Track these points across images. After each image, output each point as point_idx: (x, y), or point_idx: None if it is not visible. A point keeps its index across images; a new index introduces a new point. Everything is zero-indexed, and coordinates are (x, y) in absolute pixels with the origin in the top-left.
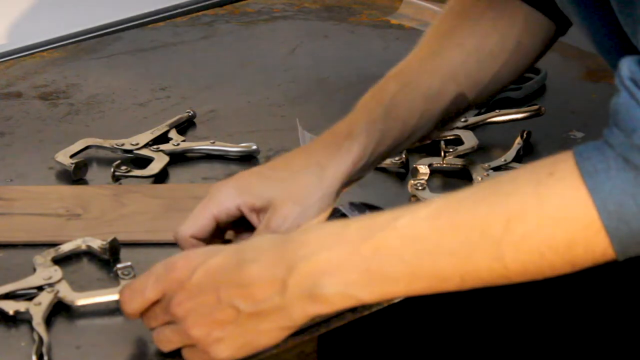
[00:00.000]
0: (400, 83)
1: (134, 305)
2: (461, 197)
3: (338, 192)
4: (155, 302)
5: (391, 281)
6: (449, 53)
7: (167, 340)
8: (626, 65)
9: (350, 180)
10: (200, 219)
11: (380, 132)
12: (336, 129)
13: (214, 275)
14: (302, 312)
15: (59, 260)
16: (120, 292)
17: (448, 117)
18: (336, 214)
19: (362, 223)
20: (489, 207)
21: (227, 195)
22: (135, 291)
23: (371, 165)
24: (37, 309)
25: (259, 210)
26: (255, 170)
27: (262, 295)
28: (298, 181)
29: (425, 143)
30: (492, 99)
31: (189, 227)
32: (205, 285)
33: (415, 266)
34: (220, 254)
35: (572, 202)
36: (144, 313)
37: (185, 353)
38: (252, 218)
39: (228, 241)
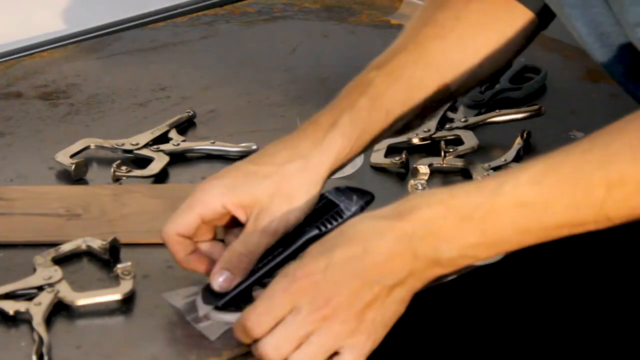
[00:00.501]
0: (383, 73)
1: (264, 327)
2: (559, 160)
3: (323, 183)
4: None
5: (504, 240)
6: (431, 44)
7: (315, 355)
8: None
9: (335, 169)
10: (186, 218)
11: (363, 122)
12: (319, 119)
13: (347, 265)
14: (430, 274)
15: (59, 260)
16: (244, 320)
17: (430, 107)
18: (322, 200)
19: (467, 189)
20: (589, 174)
21: (213, 195)
22: (261, 314)
23: (355, 155)
24: (37, 309)
25: (246, 207)
26: (239, 165)
27: (400, 266)
28: (284, 176)
29: (405, 134)
30: (470, 91)
31: (175, 226)
32: (344, 277)
33: (525, 226)
34: (338, 247)
35: None
36: (278, 343)
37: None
38: (239, 214)
39: (221, 240)
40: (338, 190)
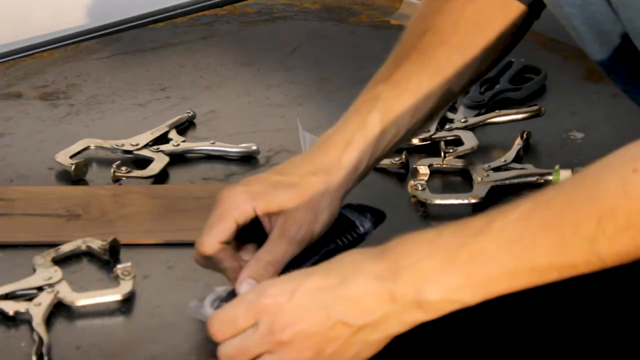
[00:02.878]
0: (389, 86)
1: (225, 335)
2: (549, 197)
3: (342, 200)
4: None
5: (492, 282)
6: (434, 51)
7: None
8: None
9: (352, 185)
10: (224, 225)
11: (376, 138)
12: (333, 137)
13: (317, 294)
14: (410, 319)
15: (59, 261)
16: (209, 324)
17: (436, 113)
18: (337, 216)
19: (454, 229)
20: (579, 207)
21: (243, 199)
22: (225, 322)
23: (369, 170)
24: (37, 309)
25: (271, 215)
26: (262, 176)
27: (372, 307)
28: (308, 187)
29: (408, 141)
30: (469, 88)
31: (216, 234)
32: (309, 306)
33: (514, 267)
34: (316, 274)
35: None
36: (234, 353)
37: None
38: (265, 222)
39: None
40: (351, 206)
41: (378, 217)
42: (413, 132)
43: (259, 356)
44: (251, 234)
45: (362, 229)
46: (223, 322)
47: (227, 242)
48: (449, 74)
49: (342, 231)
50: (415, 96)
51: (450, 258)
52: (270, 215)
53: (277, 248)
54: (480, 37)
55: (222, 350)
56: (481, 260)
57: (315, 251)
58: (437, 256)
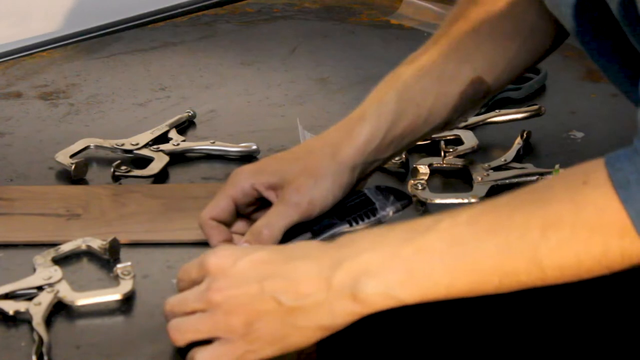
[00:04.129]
0: (413, 67)
1: (181, 287)
2: (499, 203)
3: (353, 170)
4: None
5: (432, 283)
6: (463, 38)
7: (189, 330)
8: None
9: (367, 161)
10: (219, 202)
11: (392, 114)
12: (350, 115)
13: (259, 266)
14: (342, 311)
15: (59, 260)
16: (179, 271)
17: (467, 101)
18: (360, 197)
19: (405, 226)
20: (526, 214)
21: (242, 176)
22: (183, 275)
23: (388, 147)
24: (37, 309)
25: (275, 187)
26: (274, 155)
27: (307, 291)
28: (312, 158)
29: (448, 130)
30: (507, 84)
31: (208, 210)
32: (249, 275)
33: (455, 268)
34: (266, 248)
35: (606, 212)
36: (175, 301)
37: (199, 352)
38: (270, 195)
39: None
40: (378, 188)
41: (403, 202)
42: (441, 118)
43: (194, 312)
44: None
45: (380, 213)
46: (182, 275)
47: (225, 221)
48: (478, 62)
49: (360, 212)
50: (440, 79)
51: (393, 253)
52: (274, 188)
53: (272, 212)
54: (513, 29)
55: (169, 299)
56: (423, 258)
57: (327, 229)
58: (381, 250)
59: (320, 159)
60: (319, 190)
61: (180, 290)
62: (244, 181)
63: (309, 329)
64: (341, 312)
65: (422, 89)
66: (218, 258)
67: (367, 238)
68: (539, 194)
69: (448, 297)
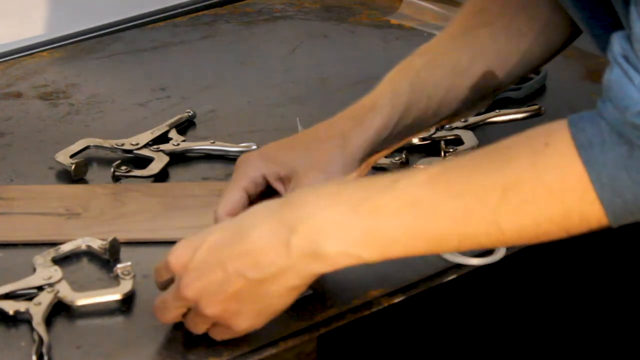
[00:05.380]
0: (427, 58)
1: (157, 285)
2: (459, 163)
3: (362, 161)
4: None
5: (391, 241)
6: (477, 31)
7: (194, 325)
8: (617, 41)
9: (375, 150)
10: (233, 195)
11: (404, 104)
12: (361, 102)
13: (216, 251)
14: (307, 271)
15: (59, 260)
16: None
17: (477, 95)
18: None
19: (360, 184)
20: (486, 175)
21: (252, 166)
22: (156, 274)
23: (396, 138)
24: (37, 309)
25: (284, 179)
26: (280, 141)
27: (267, 260)
28: (321, 149)
29: (454, 122)
30: (518, 79)
31: (223, 206)
32: (209, 263)
33: (414, 228)
34: (218, 229)
35: (567, 173)
36: (158, 305)
37: (210, 333)
38: (278, 187)
39: None
40: None
41: None
42: (450, 110)
43: (187, 310)
44: None
45: None
46: (155, 278)
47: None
48: (491, 56)
49: None
50: (452, 72)
51: (350, 211)
52: (283, 180)
53: None
54: (527, 23)
55: (155, 303)
56: (381, 217)
57: None
58: (337, 208)
59: (330, 150)
60: None
61: (158, 289)
62: (254, 171)
63: (283, 293)
64: (307, 273)
65: (435, 82)
66: (177, 255)
67: (320, 196)
68: (499, 155)
69: (408, 255)
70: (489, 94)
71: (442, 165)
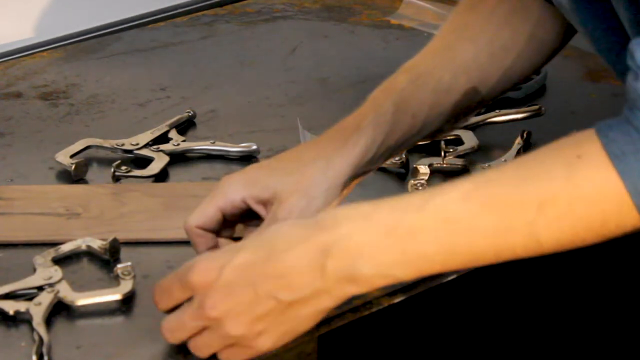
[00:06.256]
0: (410, 77)
1: (165, 305)
2: (490, 178)
3: (345, 185)
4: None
5: (427, 260)
6: (460, 47)
7: (206, 347)
8: (639, 49)
9: (358, 173)
10: (206, 211)
11: (388, 125)
12: (345, 122)
13: (245, 271)
14: (342, 293)
15: (59, 260)
16: (154, 292)
17: (460, 111)
18: None
19: (393, 204)
20: (521, 190)
21: (233, 188)
22: (164, 292)
23: (380, 158)
24: (37, 309)
25: (266, 202)
26: (263, 163)
27: (302, 283)
28: (304, 173)
29: (437, 138)
30: (502, 94)
31: (195, 218)
32: (237, 283)
33: (450, 246)
34: (245, 249)
35: (603, 184)
36: (172, 326)
37: (223, 354)
38: (259, 210)
39: (237, 238)
40: None
41: None
42: (434, 127)
43: (200, 330)
44: None
45: None
46: (162, 292)
47: (210, 229)
48: (474, 73)
49: None
50: (435, 90)
51: (385, 233)
52: (265, 203)
53: (263, 229)
54: (511, 38)
55: (164, 323)
56: (417, 237)
57: None
58: (372, 230)
59: (313, 175)
60: (311, 211)
61: (162, 309)
62: (234, 193)
63: (312, 315)
64: (341, 295)
65: (419, 101)
66: (200, 274)
67: (352, 219)
68: (532, 169)
69: (445, 272)
70: (472, 109)
71: (473, 181)
